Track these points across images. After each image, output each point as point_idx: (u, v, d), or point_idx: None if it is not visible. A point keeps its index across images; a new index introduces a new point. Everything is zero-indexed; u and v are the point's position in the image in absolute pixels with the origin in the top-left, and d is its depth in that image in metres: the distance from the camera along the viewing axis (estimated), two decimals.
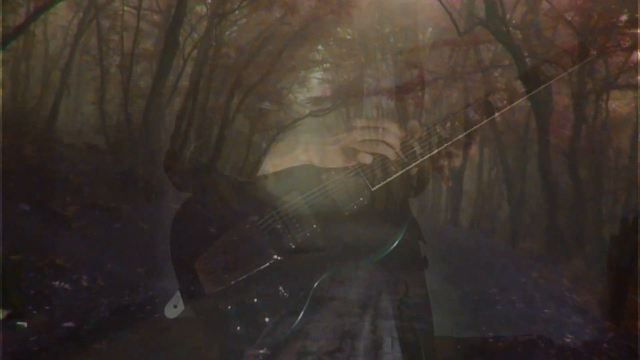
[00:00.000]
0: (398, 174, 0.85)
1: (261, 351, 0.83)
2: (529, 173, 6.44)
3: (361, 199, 0.87)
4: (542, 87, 0.85)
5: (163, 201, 4.32)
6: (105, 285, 2.94)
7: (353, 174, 0.86)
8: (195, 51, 5.05)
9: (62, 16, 5.76)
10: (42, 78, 5.71)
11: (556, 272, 4.38)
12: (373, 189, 0.84)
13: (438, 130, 0.86)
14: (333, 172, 0.88)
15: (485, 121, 0.86)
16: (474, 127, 0.85)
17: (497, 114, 0.86)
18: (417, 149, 0.85)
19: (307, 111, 1.95)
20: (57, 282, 2.78)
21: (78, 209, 3.70)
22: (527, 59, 4.56)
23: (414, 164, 0.85)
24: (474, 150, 0.89)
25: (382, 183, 0.85)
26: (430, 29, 5.10)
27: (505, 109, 0.86)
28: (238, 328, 0.85)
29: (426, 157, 0.85)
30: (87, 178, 4.36)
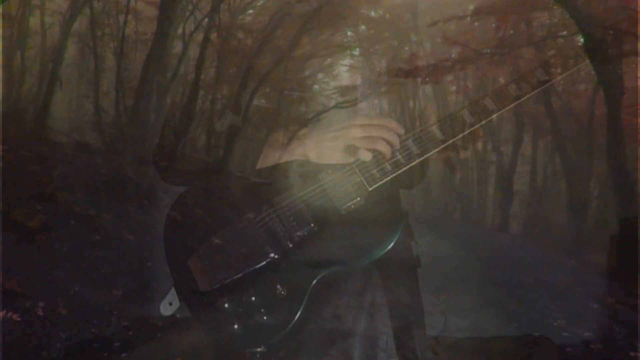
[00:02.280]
0: (395, 174, 0.97)
1: (259, 349, 0.94)
2: (595, 169, 6.31)
3: (358, 198, 0.98)
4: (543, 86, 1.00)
5: (157, 208, 4.28)
6: (67, 315, 2.70)
7: (350, 173, 0.98)
8: (201, 35, 5.12)
9: (58, 3, 5.91)
10: (38, 71, 5.87)
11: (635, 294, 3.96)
12: (370, 188, 0.97)
13: (434, 131, 0.99)
14: (330, 171, 0.99)
15: (484, 122, 1.00)
16: (471, 128, 0.99)
17: (494, 115, 1.00)
18: (414, 149, 0.97)
19: (333, 102, 2.07)
20: (2, 312, 2.53)
21: (45, 219, 3.49)
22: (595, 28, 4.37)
23: (410, 165, 0.97)
24: (482, 143, 1.05)
25: (379, 183, 0.97)
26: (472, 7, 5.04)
27: (498, 112, 1.00)
28: (235, 326, 0.96)
29: (423, 157, 0.98)
30: (65, 182, 4.18)
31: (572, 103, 6.43)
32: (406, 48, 5.97)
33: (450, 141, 1.00)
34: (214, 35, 4.59)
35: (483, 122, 1.01)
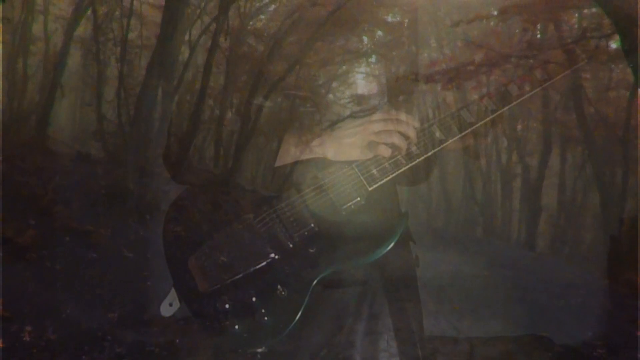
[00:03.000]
0: (395, 173, 1.01)
1: (259, 350, 0.98)
2: (632, 182, 6.18)
3: (358, 198, 1.02)
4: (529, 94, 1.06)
5: (159, 223, 4.07)
6: (56, 340, 2.60)
7: (350, 173, 1.03)
8: (209, 41, 5.14)
9: (62, 9, 5.99)
10: (41, 79, 5.93)
11: None
12: (370, 188, 1.01)
13: (434, 130, 1.03)
14: (330, 171, 1.04)
15: (482, 122, 1.05)
16: (471, 128, 1.04)
17: (494, 115, 1.06)
18: (414, 149, 1.02)
19: (348, 112, 2.07)
20: None
21: (37, 234, 3.42)
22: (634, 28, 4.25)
23: (410, 164, 1.02)
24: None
25: (379, 183, 1.01)
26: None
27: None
28: (236, 327, 1.01)
29: (423, 157, 1.02)
30: (62, 195, 4.12)
31: (605, 111, 6.31)
32: (425, 54, 5.96)
33: (450, 141, 1.05)
34: (222, 41, 4.60)
35: (483, 121, 1.06)
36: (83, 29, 5.94)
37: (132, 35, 5.76)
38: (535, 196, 7.17)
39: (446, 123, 1.04)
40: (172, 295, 1.09)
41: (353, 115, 1.75)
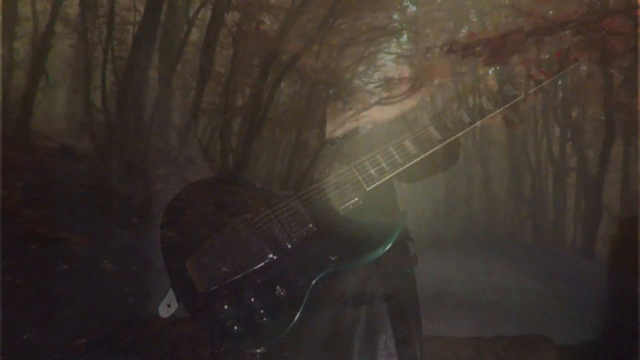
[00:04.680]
0: (393, 174, 1.17)
1: (258, 350, 1.11)
2: None
3: (356, 198, 1.17)
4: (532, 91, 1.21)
5: (150, 227, 3.99)
6: None
7: (348, 173, 1.18)
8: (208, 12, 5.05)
9: None
10: (29, 64, 5.82)
11: None
12: (368, 188, 1.16)
13: (431, 131, 1.18)
14: (328, 172, 1.19)
15: (481, 121, 1.21)
16: (469, 128, 1.20)
17: (491, 115, 1.23)
18: (412, 149, 1.17)
19: (375, 98, 2.03)
20: None
21: None
22: None
23: (408, 164, 1.17)
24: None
25: (377, 183, 1.16)
26: None
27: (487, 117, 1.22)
28: (235, 328, 1.14)
29: (420, 157, 1.17)
30: (31, 196, 3.99)
31: None
32: (463, 30, 5.84)
33: (447, 141, 1.20)
34: (228, 17, 4.54)
35: (480, 121, 1.22)
36: (72, 7, 5.91)
37: (123, 11, 5.68)
38: (595, 194, 6.97)
39: (444, 123, 1.19)
40: (170, 296, 1.22)
41: (381, 102, 1.83)
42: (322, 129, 1.83)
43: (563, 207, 8.34)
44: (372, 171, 1.16)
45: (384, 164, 1.16)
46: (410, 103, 1.92)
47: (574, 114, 7.81)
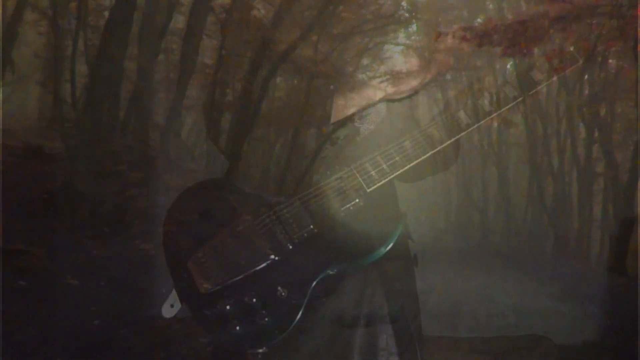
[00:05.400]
0: (393, 175, 1.29)
1: (260, 350, 1.24)
2: None
3: (357, 200, 1.31)
4: (533, 90, 1.33)
5: (123, 238, 3.96)
6: None
7: (349, 175, 1.31)
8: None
9: None
10: None
11: None
12: (369, 190, 1.29)
13: (431, 132, 1.31)
14: (329, 173, 1.33)
15: (480, 123, 1.33)
16: (469, 129, 1.33)
17: (491, 117, 1.35)
18: (411, 151, 1.30)
19: (380, 94, 2.06)
20: None
21: None
22: None
23: (408, 166, 1.30)
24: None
25: (378, 184, 1.29)
26: None
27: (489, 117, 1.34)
28: (237, 328, 1.26)
29: (421, 159, 1.30)
30: None
31: None
32: (479, 19, 5.85)
33: (447, 142, 1.32)
34: (216, 1, 4.51)
35: (479, 123, 1.34)
36: None
37: None
38: (626, 202, 6.94)
39: (442, 124, 1.32)
40: (173, 296, 1.35)
41: (388, 99, 1.87)
42: (322, 127, 1.92)
43: (589, 216, 8.33)
44: (372, 173, 1.28)
45: (384, 166, 1.28)
46: (419, 99, 1.96)
47: (601, 112, 7.81)
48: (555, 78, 1.35)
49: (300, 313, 1.26)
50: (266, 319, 1.25)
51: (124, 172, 4.64)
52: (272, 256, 1.30)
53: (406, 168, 1.30)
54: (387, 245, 1.26)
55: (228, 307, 1.28)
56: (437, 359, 2.94)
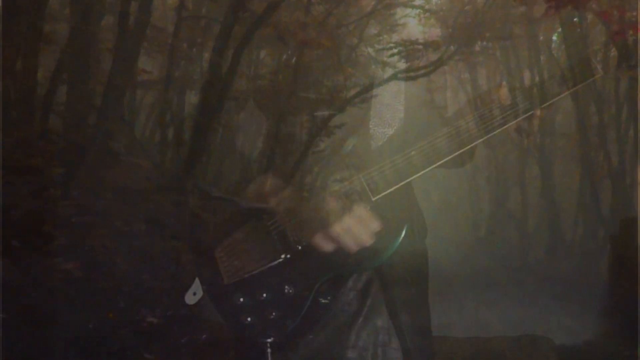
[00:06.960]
0: (398, 185, 1.48)
1: (269, 340, 1.56)
2: None
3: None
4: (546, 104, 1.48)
5: (36, 255, 3.91)
6: None
7: (356, 183, 1.51)
8: None
9: None
10: None
11: None
12: (374, 199, 1.49)
13: (439, 142, 1.48)
14: (334, 181, 1.52)
15: (487, 136, 1.48)
16: (488, 136, 1.47)
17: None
18: (419, 161, 1.48)
19: (390, 72, 2.09)
20: None
21: None
22: None
23: (415, 176, 1.47)
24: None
25: (383, 194, 1.49)
26: None
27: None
28: (249, 319, 1.59)
29: (427, 169, 1.48)
30: None
31: None
32: None
33: (456, 153, 1.48)
34: None
35: (488, 135, 1.48)
36: None
37: None
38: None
39: (453, 133, 1.47)
40: (197, 284, 1.70)
41: (398, 77, 1.91)
42: (315, 112, 2.09)
43: (599, 217, 8.54)
44: (379, 181, 1.49)
45: (390, 176, 1.49)
46: (437, 79, 2.12)
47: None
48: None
49: (304, 309, 1.56)
50: (274, 314, 1.58)
51: (41, 168, 4.48)
52: (284, 255, 1.60)
53: (413, 178, 1.49)
54: (389, 251, 1.51)
55: (242, 299, 1.61)
56: (438, 358, 3.13)
